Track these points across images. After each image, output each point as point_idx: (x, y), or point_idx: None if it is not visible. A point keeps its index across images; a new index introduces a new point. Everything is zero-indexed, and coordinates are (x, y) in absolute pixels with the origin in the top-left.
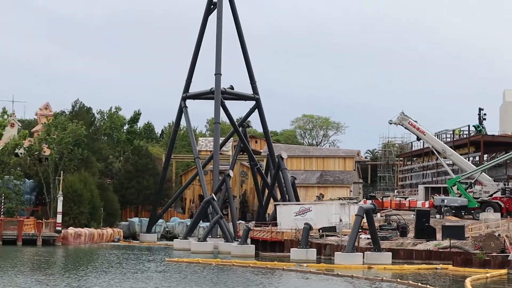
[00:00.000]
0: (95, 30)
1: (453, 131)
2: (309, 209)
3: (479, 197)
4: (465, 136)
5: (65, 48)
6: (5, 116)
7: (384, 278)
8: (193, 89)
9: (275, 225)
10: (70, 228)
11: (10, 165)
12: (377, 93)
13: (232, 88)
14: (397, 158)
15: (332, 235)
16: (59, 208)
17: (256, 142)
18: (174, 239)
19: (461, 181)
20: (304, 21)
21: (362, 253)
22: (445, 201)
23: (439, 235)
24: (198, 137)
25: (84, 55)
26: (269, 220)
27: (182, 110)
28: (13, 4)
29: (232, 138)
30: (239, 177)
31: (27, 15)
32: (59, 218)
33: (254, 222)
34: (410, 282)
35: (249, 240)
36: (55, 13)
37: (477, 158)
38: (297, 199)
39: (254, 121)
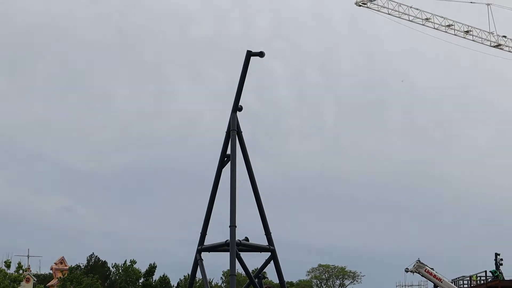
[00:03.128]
0: (107, 181)
1: (470, 277)
2: None
3: None
4: (482, 282)
5: (78, 200)
6: (20, 271)
7: None
8: (208, 241)
9: None
10: None
11: None
12: (392, 240)
13: (247, 239)
14: None
15: None
16: None
17: None
18: None
19: None
20: (319, 171)
21: None
22: None
23: None
24: None
25: (98, 207)
26: None
27: (197, 262)
28: (22, 156)
29: None
30: None
31: (37, 166)
32: None
33: None
34: None
35: None
36: (65, 166)
37: None
38: None
39: (270, 272)
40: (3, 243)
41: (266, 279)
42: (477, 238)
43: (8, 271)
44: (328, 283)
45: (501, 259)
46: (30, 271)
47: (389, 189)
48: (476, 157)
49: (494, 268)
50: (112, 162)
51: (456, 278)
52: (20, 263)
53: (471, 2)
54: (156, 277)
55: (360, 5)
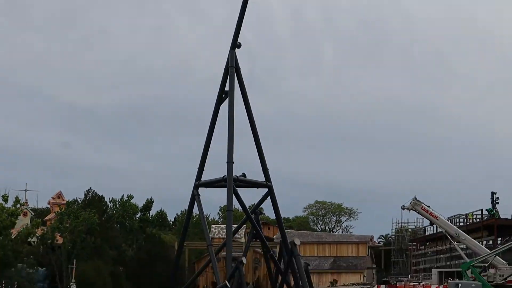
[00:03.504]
0: (105, 116)
1: (466, 215)
2: None
3: (494, 281)
4: (478, 220)
5: (76, 135)
6: (18, 205)
7: None
8: (205, 177)
9: None
10: None
11: (23, 254)
12: (389, 178)
13: (244, 175)
14: (411, 243)
15: None
16: None
17: (269, 228)
18: None
19: (475, 265)
20: (317, 107)
21: None
22: (460, 285)
23: None
24: (211, 224)
25: (95, 142)
26: None
27: (194, 198)
28: (20, 92)
29: (244, 225)
30: (252, 264)
31: (35, 102)
32: None
33: None
34: None
35: None
36: (63, 102)
37: (490, 242)
38: (311, 285)
39: (267, 208)
40: (0, 178)
41: (262, 215)
42: (474, 176)
43: (6, 205)
44: (325, 220)
45: (497, 198)
46: (28, 205)
47: (387, 126)
48: (476, 96)
49: (490, 206)
50: (111, 98)
51: (452, 216)
52: (17, 198)
53: None
54: (153, 212)
55: None
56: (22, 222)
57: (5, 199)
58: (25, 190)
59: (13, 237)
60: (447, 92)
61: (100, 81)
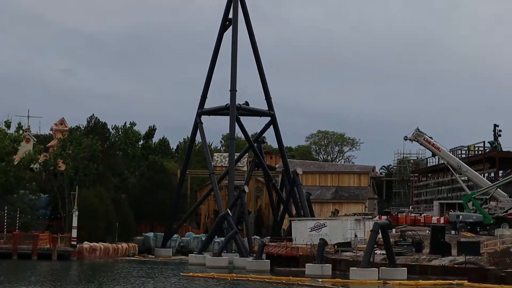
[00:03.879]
0: (108, 44)
1: (468, 147)
2: (324, 224)
3: (494, 213)
4: (480, 152)
5: (79, 62)
6: (20, 131)
7: None
8: (208, 105)
9: (290, 240)
10: (85, 242)
11: (25, 180)
12: (392, 109)
13: (247, 104)
14: (412, 174)
15: (347, 251)
16: (74, 223)
17: (271, 157)
18: (189, 254)
19: (476, 197)
20: (320, 37)
21: (377, 269)
22: (460, 217)
23: (454, 251)
24: (213, 152)
25: (98, 69)
26: (284, 235)
27: (197, 126)
28: (22, 18)
29: (247, 154)
30: (254, 193)
31: (38, 28)
32: (74, 233)
33: (269, 237)
34: None
35: (264, 255)
36: (65, 27)
37: (492, 174)
38: (312, 215)
39: (269, 137)
40: (3, 104)
41: (265, 144)
42: (477, 109)
43: (8, 131)
44: (327, 149)
45: (500, 130)
46: (30, 131)
47: (391, 57)
48: (478, 27)
49: (492, 139)
50: (114, 25)
51: (454, 148)
52: (20, 124)
53: None
54: (155, 139)
55: None
56: (25, 148)
57: (8, 125)
58: (28, 116)
59: (15, 163)
60: (451, 23)
61: (104, 6)
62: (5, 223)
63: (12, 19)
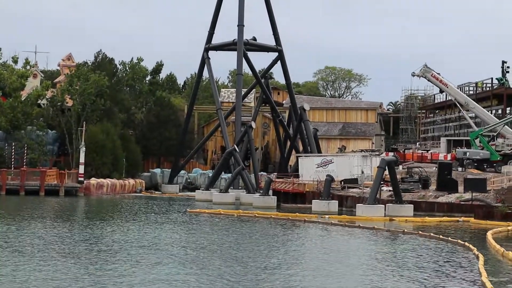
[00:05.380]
0: None
1: (476, 83)
2: (331, 161)
3: (502, 150)
4: (488, 89)
5: None
6: (28, 67)
7: (405, 230)
8: (215, 40)
9: (297, 176)
10: (92, 178)
11: (32, 116)
12: (400, 45)
13: (254, 39)
14: (420, 111)
15: (354, 187)
16: (82, 159)
17: (278, 93)
18: (196, 190)
19: (483, 134)
20: None
21: (383, 205)
22: (467, 154)
23: (461, 188)
24: (221, 88)
25: (105, 4)
26: (291, 171)
27: (204, 61)
28: None
29: (254, 90)
30: (261, 129)
31: None
32: (81, 169)
33: (276, 173)
34: (432, 234)
35: (270, 192)
36: None
37: (499, 111)
38: (319, 151)
39: (277, 73)
40: (11, 40)
41: (272, 80)
42: (486, 45)
43: (16, 67)
44: (334, 86)
45: (508, 67)
46: (38, 67)
47: None
48: None
49: (500, 75)
50: None
51: (462, 84)
52: (27, 59)
53: None
54: (163, 75)
55: None
56: (32, 84)
57: (15, 60)
58: (35, 52)
59: (22, 99)
60: None
61: None
62: (13, 159)
63: None
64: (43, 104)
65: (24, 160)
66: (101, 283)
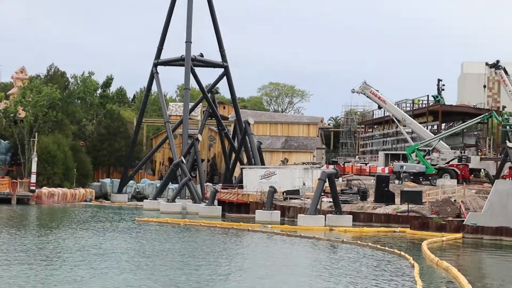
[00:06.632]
0: None
1: (413, 100)
2: (274, 172)
3: (437, 164)
4: (424, 105)
5: (39, 12)
6: None
7: (344, 240)
8: (164, 56)
9: (241, 187)
10: (44, 187)
11: None
12: (341, 62)
13: (201, 55)
14: (359, 126)
15: (295, 198)
16: (33, 169)
17: (224, 108)
18: (144, 200)
19: (419, 148)
20: None
21: (324, 216)
22: (404, 167)
23: (397, 200)
24: (169, 102)
25: (58, 19)
26: (235, 183)
27: (153, 76)
28: None
29: (201, 104)
30: (207, 141)
31: None
32: (33, 178)
33: (221, 184)
34: (370, 244)
35: (216, 202)
36: None
37: (435, 127)
38: (263, 163)
39: (223, 88)
40: None
41: (218, 94)
42: (422, 63)
43: None
44: (278, 101)
45: (443, 85)
46: None
47: (340, 11)
48: None
49: (436, 93)
50: None
51: (399, 101)
52: None
53: None
54: (113, 89)
55: None
56: None
57: None
58: None
59: None
60: None
61: None
62: None
63: None
64: None
65: None
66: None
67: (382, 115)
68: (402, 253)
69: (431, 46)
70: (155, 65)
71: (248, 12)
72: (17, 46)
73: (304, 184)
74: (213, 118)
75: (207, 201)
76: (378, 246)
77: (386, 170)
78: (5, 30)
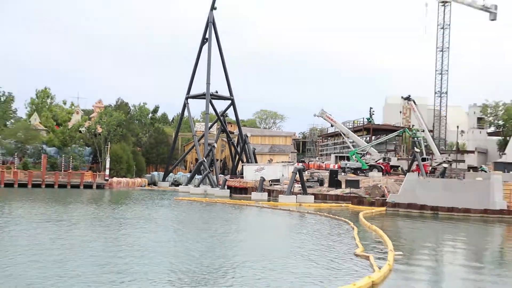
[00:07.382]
0: (116, 43)
1: (353, 121)
2: (263, 168)
3: (369, 162)
4: (361, 124)
5: (109, 60)
6: (73, 107)
7: (309, 212)
8: (192, 92)
9: (242, 177)
10: (114, 178)
11: (76, 138)
12: (307, 97)
13: (216, 92)
14: (319, 137)
15: (277, 184)
16: (107, 165)
17: (231, 126)
18: (180, 186)
19: (358, 152)
20: (266, 46)
21: (295, 195)
22: (348, 164)
23: (343, 185)
24: (195, 122)
25: (120, 66)
26: (238, 174)
27: (185, 105)
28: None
29: (216, 124)
30: (220, 148)
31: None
32: (107, 172)
33: (229, 175)
34: (325, 214)
35: (226, 187)
36: (89, 31)
37: (368, 138)
38: (256, 162)
39: (230, 113)
40: (63, 90)
41: (227, 117)
42: (360, 96)
43: (65, 107)
44: (266, 121)
45: (373, 111)
46: (79, 107)
47: (303, 61)
48: (365, 34)
49: (368, 116)
50: (120, 27)
51: (345, 121)
52: (73, 103)
53: None
54: (159, 113)
55: None
56: (75, 118)
57: (64, 102)
58: (78, 97)
59: (69, 127)
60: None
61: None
62: (63, 165)
63: None
64: (83, 130)
65: (70, 166)
66: (122, 240)
67: (334, 131)
68: (346, 220)
69: (366, 84)
70: (187, 98)
71: (246, 65)
72: (96, 85)
73: (283, 175)
74: (224, 133)
75: (220, 186)
76: (331, 215)
77: (336, 166)
78: (91, 75)
